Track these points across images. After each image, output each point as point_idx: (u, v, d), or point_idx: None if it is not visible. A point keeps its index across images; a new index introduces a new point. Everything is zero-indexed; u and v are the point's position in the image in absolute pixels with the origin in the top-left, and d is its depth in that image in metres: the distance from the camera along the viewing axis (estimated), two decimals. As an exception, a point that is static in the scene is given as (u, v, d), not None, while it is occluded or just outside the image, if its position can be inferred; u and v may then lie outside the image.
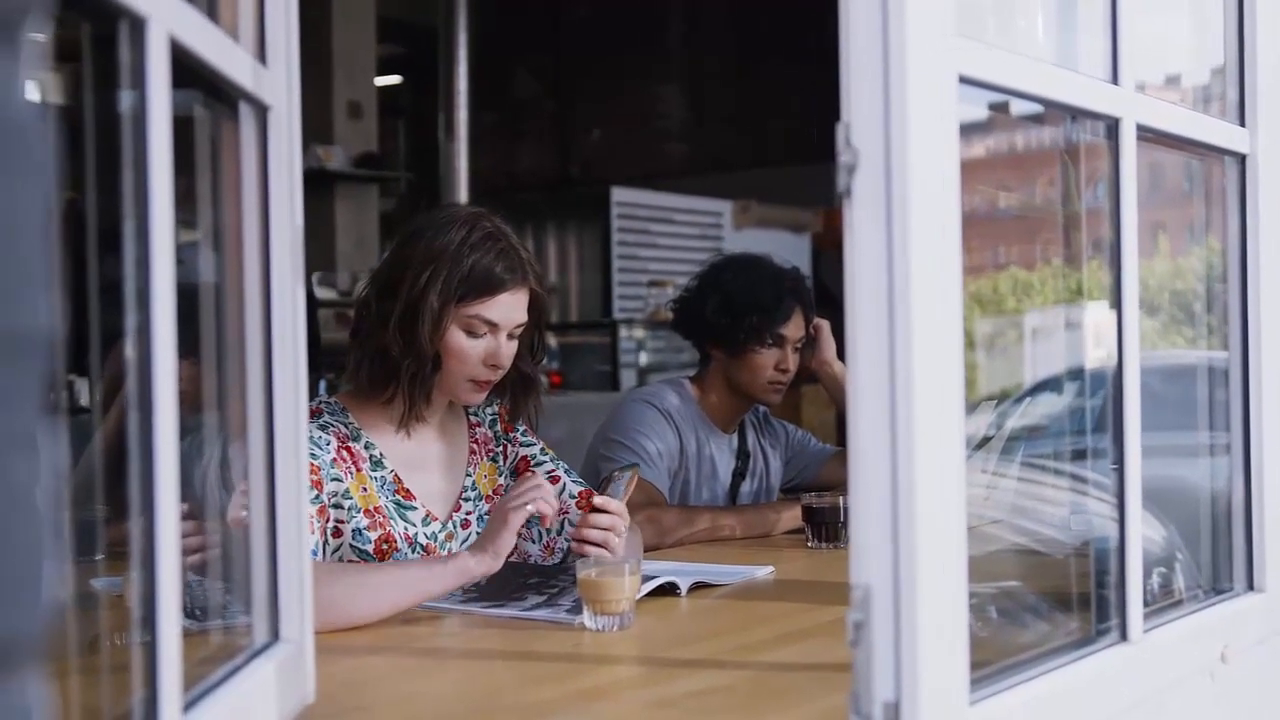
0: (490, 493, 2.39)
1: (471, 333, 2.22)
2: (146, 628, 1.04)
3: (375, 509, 2.21)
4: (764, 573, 2.38)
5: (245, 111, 1.36)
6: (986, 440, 2.29)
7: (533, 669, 1.72)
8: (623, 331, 7.65)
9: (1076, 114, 1.59)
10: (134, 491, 1.03)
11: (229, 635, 1.44)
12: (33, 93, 0.62)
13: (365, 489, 2.21)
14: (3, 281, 0.58)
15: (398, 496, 2.25)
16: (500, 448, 2.44)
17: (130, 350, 1.03)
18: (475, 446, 2.41)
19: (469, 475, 2.38)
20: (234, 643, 1.39)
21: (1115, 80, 1.54)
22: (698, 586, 2.20)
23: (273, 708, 1.33)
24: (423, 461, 2.32)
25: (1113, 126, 1.54)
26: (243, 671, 1.28)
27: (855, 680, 1.20)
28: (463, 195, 8.33)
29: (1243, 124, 1.84)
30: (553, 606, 2.00)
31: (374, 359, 2.23)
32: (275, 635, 1.40)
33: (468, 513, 2.35)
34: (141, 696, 1.03)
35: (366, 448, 2.25)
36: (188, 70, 1.13)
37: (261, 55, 1.37)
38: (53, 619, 0.62)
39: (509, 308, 2.23)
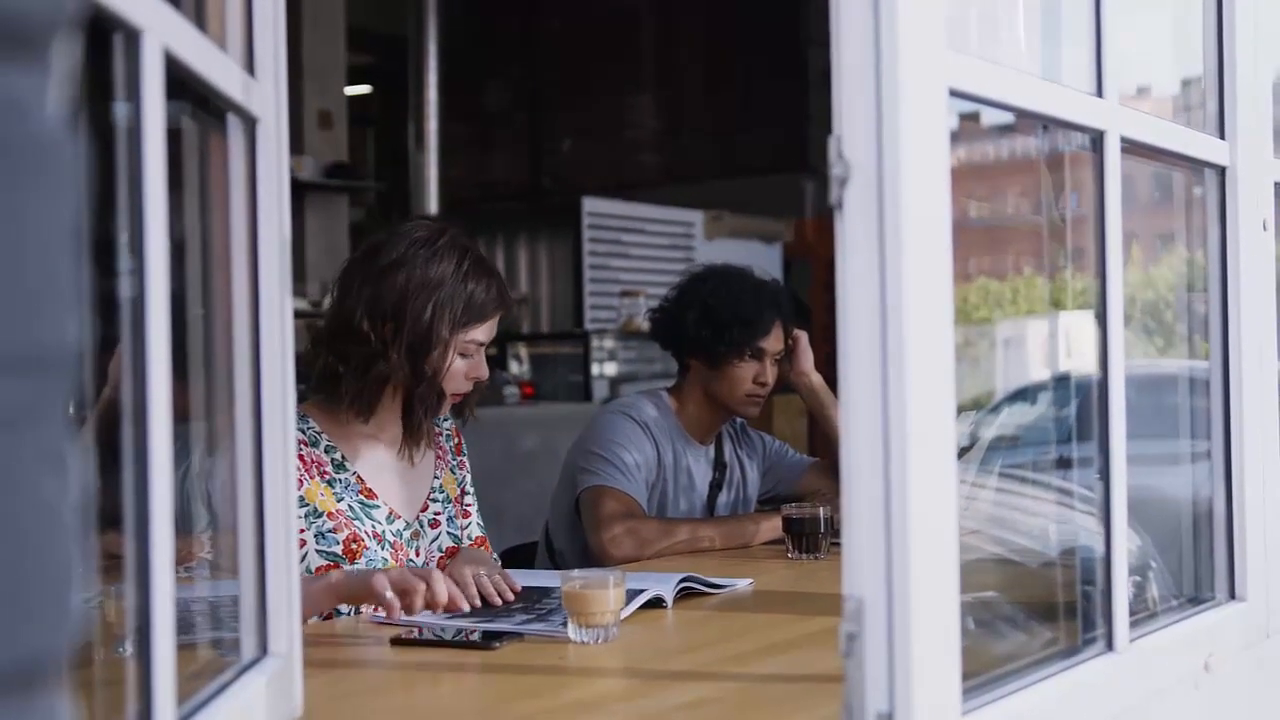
0: (452, 498, 2.47)
1: (464, 355, 2.32)
2: (138, 642, 1.03)
3: (338, 511, 2.25)
4: (744, 584, 2.38)
5: (233, 123, 1.35)
6: (964, 451, 2.30)
7: (519, 682, 1.72)
8: (595, 342, 7.63)
9: (1062, 126, 1.60)
10: (128, 506, 1.02)
11: (215, 649, 1.43)
12: (61, 107, 0.62)
13: (324, 494, 2.25)
14: (32, 297, 0.58)
15: (361, 496, 2.30)
16: (456, 461, 2.53)
17: (124, 362, 1.03)
18: (440, 452, 2.49)
19: (436, 478, 2.45)
20: (221, 657, 1.38)
21: (1099, 93, 1.55)
22: (685, 593, 2.21)
23: (262, 723, 1.32)
24: (389, 465, 2.37)
25: (1097, 139, 1.55)
26: (233, 686, 1.28)
27: (848, 691, 1.20)
28: (433, 206, 8.31)
29: (1222, 136, 1.86)
30: (545, 622, 1.99)
31: (375, 386, 2.28)
32: (264, 650, 1.39)
33: (436, 513, 2.42)
34: (135, 711, 1.02)
35: (327, 451, 2.30)
36: (178, 81, 1.13)
37: (250, 67, 1.37)
38: (79, 635, 0.62)
39: (494, 327, 2.36)
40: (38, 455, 0.58)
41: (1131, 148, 1.62)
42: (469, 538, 2.45)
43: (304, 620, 2.07)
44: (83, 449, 1.17)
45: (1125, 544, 1.56)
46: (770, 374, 3.06)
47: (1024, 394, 2.73)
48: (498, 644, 1.86)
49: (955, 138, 1.55)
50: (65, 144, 0.61)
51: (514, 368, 7.60)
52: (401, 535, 2.33)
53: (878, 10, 1.17)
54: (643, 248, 8.43)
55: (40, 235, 0.58)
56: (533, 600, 2.15)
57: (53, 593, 0.58)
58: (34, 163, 0.59)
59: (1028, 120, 1.62)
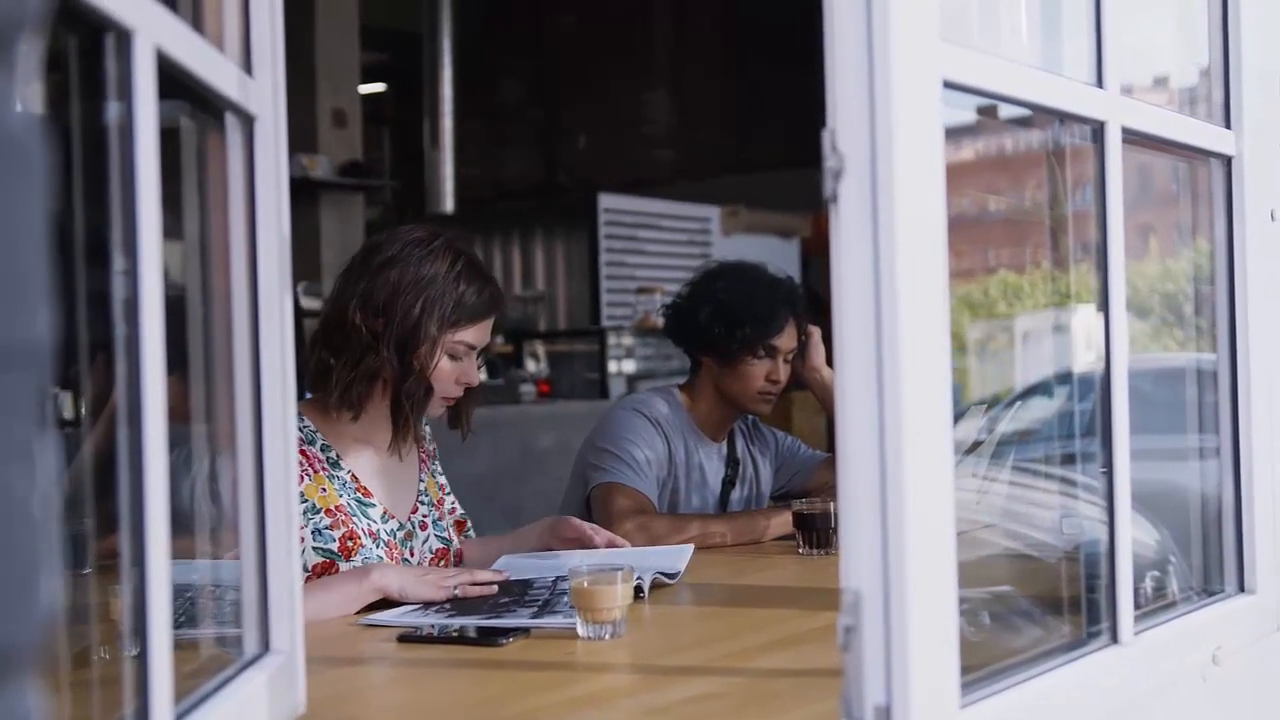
0: (435, 501, 2.51)
1: (453, 356, 2.35)
2: (136, 640, 1.04)
3: (337, 508, 2.29)
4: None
5: (231, 122, 1.36)
6: (977, 445, 2.30)
7: (526, 678, 1.72)
8: (611, 339, 7.63)
9: (1062, 118, 1.59)
10: (124, 505, 1.03)
11: (218, 646, 1.43)
12: (28, 105, 0.62)
13: (324, 489, 2.29)
14: (1, 292, 0.58)
15: (358, 494, 2.34)
16: (435, 464, 2.57)
17: (119, 363, 1.03)
18: (424, 456, 2.53)
19: (421, 481, 2.49)
20: (223, 654, 1.39)
21: (1100, 84, 1.54)
22: (656, 585, 2.24)
23: (264, 718, 1.32)
24: (380, 466, 2.41)
25: (1098, 130, 1.55)
26: (234, 682, 1.28)
27: (846, 684, 1.20)
28: (448, 204, 8.32)
29: (1228, 126, 1.84)
30: (552, 614, 1.99)
31: (364, 380, 2.31)
32: (266, 646, 1.39)
33: (423, 515, 2.47)
34: (133, 708, 1.03)
35: (323, 450, 2.33)
36: (173, 81, 1.13)
37: (247, 66, 1.37)
38: (50, 628, 0.63)
39: (486, 332, 2.39)
40: (7, 448, 0.58)
41: (1134, 138, 1.61)
42: (440, 542, 2.47)
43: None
44: (85, 452, 1.18)
45: (1130, 536, 1.55)
46: (782, 372, 3.06)
47: (1041, 388, 2.72)
48: (505, 640, 1.86)
49: (973, 131, 1.55)
50: (33, 142, 0.62)
51: (530, 365, 7.61)
52: (395, 535, 2.37)
53: (870, 1, 1.17)
54: (659, 244, 8.43)
55: (9, 231, 0.59)
56: (518, 595, 2.15)
57: (19, 585, 0.59)
58: (2, 159, 0.59)
59: (1037, 113, 1.62)
